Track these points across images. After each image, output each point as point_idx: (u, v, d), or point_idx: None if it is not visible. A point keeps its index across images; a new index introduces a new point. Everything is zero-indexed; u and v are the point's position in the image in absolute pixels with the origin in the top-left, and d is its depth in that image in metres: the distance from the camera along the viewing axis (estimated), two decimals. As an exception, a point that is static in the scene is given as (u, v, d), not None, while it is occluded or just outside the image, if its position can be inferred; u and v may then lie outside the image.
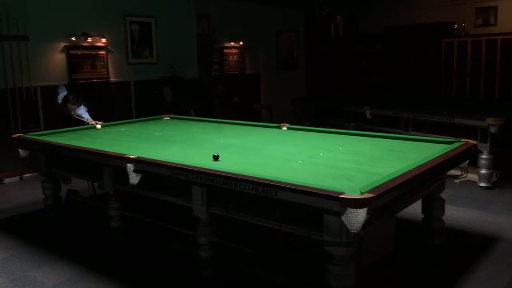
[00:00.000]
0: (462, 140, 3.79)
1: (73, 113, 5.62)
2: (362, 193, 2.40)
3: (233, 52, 9.48)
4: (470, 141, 3.76)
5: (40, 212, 4.87)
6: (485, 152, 5.36)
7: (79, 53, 7.01)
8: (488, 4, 9.04)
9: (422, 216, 3.85)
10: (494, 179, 5.51)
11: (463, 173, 3.67)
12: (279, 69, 10.45)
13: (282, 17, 10.31)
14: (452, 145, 3.68)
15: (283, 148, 3.96)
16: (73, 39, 6.90)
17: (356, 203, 2.30)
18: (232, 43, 9.39)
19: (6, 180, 6.31)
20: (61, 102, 5.83)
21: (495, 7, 8.98)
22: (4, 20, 6.19)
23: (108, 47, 7.35)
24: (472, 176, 5.36)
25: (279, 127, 4.86)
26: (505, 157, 5.55)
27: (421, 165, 3.02)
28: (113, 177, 3.84)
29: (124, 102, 7.65)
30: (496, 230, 4.22)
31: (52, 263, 3.74)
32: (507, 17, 8.79)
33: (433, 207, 3.75)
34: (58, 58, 6.83)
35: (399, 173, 2.80)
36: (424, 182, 3.15)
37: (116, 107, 7.44)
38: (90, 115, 5.62)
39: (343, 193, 2.38)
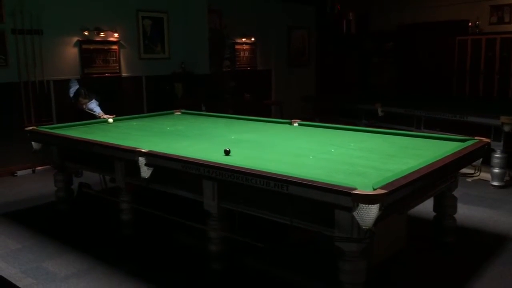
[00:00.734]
0: (475, 138, 3.75)
1: (84, 107, 5.66)
2: (374, 189, 2.38)
3: (244, 48, 9.47)
4: (484, 139, 3.72)
5: (52, 204, 4.91)
6: (498, 151, 5.30)
7: (91, 47, 7.05)
8: (503, 1, 8.93)
9: (434, 214, 3.83)
10: (507, 178, 5.46)
11: (476, 171, 3.64)
12: (290, 65, 10.43)
13: (293, 14, 10.27)
14: (466, 143, 3.64)
15: (295, 144, 3.95)
16: (86, 33, 6.95)
17: (369, 199, 2.29)
18: (243, 39, 9.39)
19: (19, 173, 6.38)
20: (73, 96, 5.88)
21: (510, 5, 8.87)
22: (18, 14, 6.25)
23: (121, 42, 7.38)
24: (484, 175, 5.31)
25: (291, 123, 4.85)
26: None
27: (434, 162, 2.99)
28: (124, 171, 3.86)
29: (135, 97, 7.69)
30: (508, 229, 4.17)
31: (63, 254, 3.78)
32: (522, 15, 8.68)
33: (445, 205, 3.72)
34: (71, 52, 6.87)
35: (412, 170, 2.78)
36: (437, 180, 3.12)
37: (127, 101, 7.48)
38: (102, 109, 5.66)
39: (355, 189, 2.37)
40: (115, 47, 7.31)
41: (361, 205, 2.29)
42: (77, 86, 6.02)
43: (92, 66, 7.07)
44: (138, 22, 7.62)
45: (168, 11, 7.99)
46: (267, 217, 2.92)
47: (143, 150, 3.46)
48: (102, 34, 7.12)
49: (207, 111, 6.66)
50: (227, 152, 3.37)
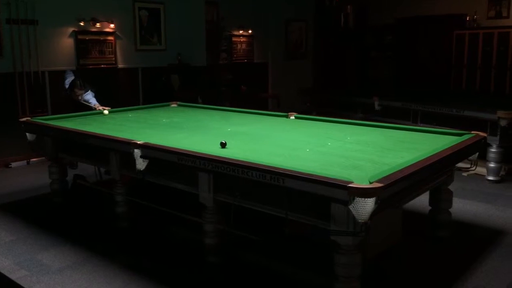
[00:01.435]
0: (472, 132, 3.75)
1: (80, 98, 5.62)
2: (370, 183, 2.38)
3: (241, 40, 9.42)
4: (480, 133, 3.71)
5: (47, 196, 4.89)
6: (495, 146, 5.30)
7: (87, 38, 6.99)
8: (501, -5, 8.90)
9: (429, 208, 3.83)
10: (502, 173, 5.46)
11: (472, 165, 3.63)
12: (287, 58, 10.38)
13: (291, 7, 10.21)
14: (462, 137, 3.63)
15: (291, 136, 3.93)
16: (81, 24, 6.88)
17: (365, 193, 2.28)
18: (240, 31, 9.33)
19: (13, 164, 6.34)
20: (68, 87, 5.84)
21: (508, -1, 8.85)
22: (13, 3, 6.18)
23: (117, 33, 7.32)
24: (480, 170, 5.32)
25: (287, 116, 4.83)
26: (514, 151, 5.50)
27: (430, 156, 2.99)
28: (119, 163, 3.84)
29: (131, 89, 7.64)
30: (503, 224, 4.18)
31: (58, 246, 3.76)
32: (520, 10, 8.67)
33: (440, 199, 3.72)
34: (66, 42, 6.81)
35: (408, 164, 2.77)
36: (433, 174, 3.12)
37: (123, 93, 7.43)
38: (98, 100, 5.62)
39: (351, 182, 2.36)
40: (111, 38, 7.25)
41: (357, 198, 2.28)
42: (73, 77, 5.97)
43: (87, 57, 7.01)
44: (134, 13, 7.56)
45: (165, 2, 7.93)
46: (263, 210, 2.91)
47: (138, 142, 3.44)
48: (98, 25, 7.06)
49: (203, 103, 6.63)
50: (223, 145, 3.35)
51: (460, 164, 3.58)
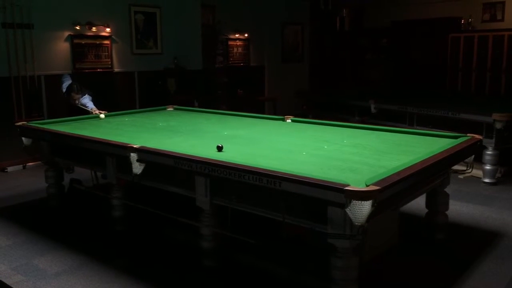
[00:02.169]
0: (467, 135, 3.76)
1: (77, 102, 5.60)
2: (367, 186, 2.38)
3: (237, 44, 9.43)
4: (476, 136, 3.73)
5: (43, 200, 4.87)
6: (490, 148, 5.32)
7: (83, 42, 6.98)
8: (495, -1, 8.96)
9: (426, 210, 3.84)
10: (498, 175, 5.48)
11: (468, 168, 3.65)
12: (283, 61, 10.40)
13: (287, 10, 10.24)
14: (458, 140, 3.65)
15: (288, 140, 3.94)
16: (77, 28, 6.88)
17: (361, 195, 2.28)
18: (237, 35, 9.35)
19: (9, 169, 6.32)
20: (65, 91, 5.81)
21: (503, 3, 8.91)
22: (9, 8, 6.17)
23: (113, 36, 7.32)
24: (476, 172, 5.34)
25: (284, 119, 4.84)
26: (510, 153, 5.51)
27: (426, 159, 3.00)
28: (116, 167, 3.83)
29: (127, 92, 7.63)
30: (499, 226, 4.20)
31: (54, 251, 3.74)
32: (514, 13, 8.72)
33: (437, 201, 3.73)
34: (62, 47, 6.80)
35: (404, 167, 2.78)
36: (429, 176, 3.13)
37: (119, 97, 7.42)
38: (94, 104, 5.61)
39: (348, 185, 2.36)
40: (107, 42, 7.25)
41: (353, 201, 2.29)
42: (70, 81, 5.95)
43: (83, 61, 7.01)
44: (130, 17, 7.56)
45: (161, 6, 7.93)
46: (259, 213, 2.91)
47: (135, 146, 3.44)
48: (94, 29, 7.05)
49: (199, 107, 6.63)
50: (219, 148, 3.36)
51: (456, 167, 3.60)
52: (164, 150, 3.31)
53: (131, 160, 3.41)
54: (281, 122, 4.82)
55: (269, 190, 2.67)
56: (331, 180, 2.46)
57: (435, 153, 3.16)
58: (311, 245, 2.99)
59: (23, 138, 4.59)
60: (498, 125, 5.16)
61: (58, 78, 6.25)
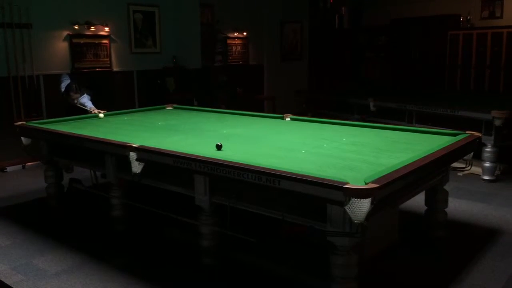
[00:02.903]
0: (466, 132, 3.76)
1: (76, 101, 5.60)
2: (366, 184, 2.38)
3: (236, 42, 9.42)
4: (475, 133, 3.73)
5: (43, 200, 4.87)
6: (489, 145, 5.33)
7: (82, 41, 6.97)
8: (494, -4, 8.96)
9: (425, 208, 3.84)
10: (497, 172, 5.49)
11: (467, 165, 3.65)
12: (282, 60, 10.39)
13: (286, 8, 10.23)
14: (457, 137, 3.65)
15: (287, 138, 3.94)
16: (76, 27, 6.87)
17: (360, 193, 2.28)
18: (235, 34, 9.34)
19: (9, 168, 6.32)
20: (64, 91, 5.81)
21: (501, 0, 8.90)
22: (7, 7, 6.16)
23: (111, 36, 7.31)
24: (475, 169, 5.34)
25: (283, 118, 4.84)
26: (509, 150, 5.52)
27: (425, 156, 3.00)
28: (115, 166, 3.83)
29: (126, 92, 7.63)
30: (499, 223, 4.20)
31: (54, 251, 3.75)
32: (513, 10, 8.72)
33: (436, 199, 3.73)
34: (61, 46, 6.80)
35: (403, 164, 2.78)
36: (428, 174, 3.13)
37: (118, 96, 7.42)
38: (93, 104, 5.61)
39: (347, 183, 2.36)
40: (105, 41, 7.24)
41: (353, 199, 2.29)
42: (69, 81, 5.94)
43: (82, 61, 7.00)
44: (129, 16, 7.55)
45: (160, 5, 7.92)
46: (259, 211, 2.91)
47: (134, 145, 3.43)
48: (92, 28, 7.04)
49: (199, 106, 6.63)
50: (218, 147, 3.35)
51: (455, 164, 3.60)
52: (163, 149, 3.31)
53: (131, 159, 3.41)
54: (280, 120, 4.82)
55: (268, 188, 2.67)
56: (330, 178, 2.46)
57: (434, 150, 3.16)
58: (311, 243, 3.00)
59: (22, 138, 4.58)
60: (497, 122, 5.17)
61: (57, 78, 6.25)
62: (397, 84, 9.73)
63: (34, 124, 4.65)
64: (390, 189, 2.51)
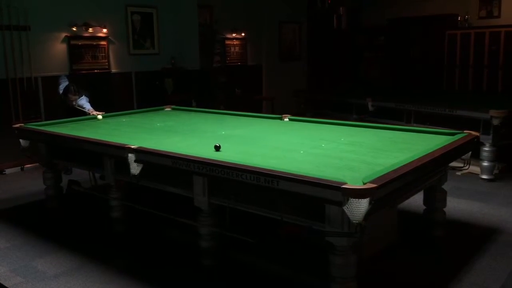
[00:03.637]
0: (464, 131, 3.77)
1: (74, 103, 5.61)
2: (364, 183, 2.39)
3: (235, 43, 9.43)
4: (473, 133, 3.74)
5: (41, 202, 4.86)
6: (488, 145, 5.34)
7: (80, 43, 6.97)
8: (491, -5, 8.98)
9: (424, 207, 3.84)
10: (496, 171, 5.50)
11: (465, 164, 3.66)
12: (281, 60, 10.40)
13: (284, 9, 10.24)
14: (455, 136, 3.66)
15: (285, 139, 3.94)
16: (74, 29, 6.87)
17: (358, 193, 2.29)
18: (234, 34, 9.34)
19: (7, 171, 6.31)
20: (62, 93, 5.82)
21: (499, -1, 8.92)
22: (5, 9, 6.16)
23: (109, 37, 7.31)
24: (474, 169, 5.35)
25: (281, 118, 4.84)
26: (507, 149, 5.53)
27: (423, 156, 3.00)
28: (114, 167, 3.83)
29: (125, 93, 7.63)
30: (497, 222, 4.21)
31: (53, 253, 3.74)
32: (511, 9, 8.73)
33: (434, 198, 3.73)
34: (59, 48, 6.80)
35: (402, 164, 2.78)
36: (426, 173, 3.13)
37: (117, 97, 7.42)
38: (92, 105, 5.61)
39: (345, 183, 2.37)
40: (104, 42, 7.25)
41: (351, 199, 2.29)
42: (67, 83, 5.96)
43: (80, 62, 7.00)
44: (127, 17, 7.55)
45: (158, 6, 7.92)
46: (257, 212, 2.92)
47: (132, 147, 3.44)
48: (90, 30, 7.05)
49: (197, 107, 6.63)
50: (217, 148, 3.36)
51: (453, 164, 3.60)
52: (162, 150, 3.31)
53: (129, 160, 3.41)
54: (278, 121, 4.83)
55: (266, 189, 2.67)
56: (328, 179, 2.46)
57: (433, 150, 3.16)
58: (310, 243, 3.00)
59: (20, 140, 4.58)
60: (495, 122, 5.18)
61: (55, 80, 6.26)
62: (395, 84, 9.75)
63: (32, 126, 4.65)
64: (389, 189, 2.52)
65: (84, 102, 5.62)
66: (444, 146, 3.31)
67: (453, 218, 4.27)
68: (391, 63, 10.29)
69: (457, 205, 4.61)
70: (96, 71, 7.18)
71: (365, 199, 2.28)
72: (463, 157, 3.60)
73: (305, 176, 2.53)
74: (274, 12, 10.01)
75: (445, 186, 3.77)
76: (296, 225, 2.74)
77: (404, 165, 2.77)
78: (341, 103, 7.33)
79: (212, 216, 3.24)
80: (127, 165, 3.44)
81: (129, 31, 7.59)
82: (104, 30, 7.22)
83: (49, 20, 6.64)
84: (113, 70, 7.43)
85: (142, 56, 7.80)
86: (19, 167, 6.42)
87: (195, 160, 3.03)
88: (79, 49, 6.96)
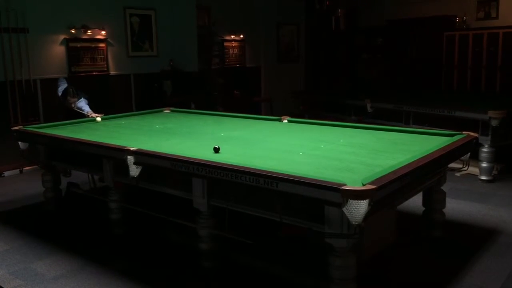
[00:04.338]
0: (463, 132, 3.78)
1: (73, 105, 5.60)
2: (363, 185, 2.39)
3: (233, 45, 9.44)
4: (472, 134, 3.74)
5: (40, 204, 4.86)
6: (486, 145, 5.34)
7: (78, 45, 6.97)
8: (489, -3, 9.00)
9: (423, 208, 3.85)
10: (495, 172, 5.50)
11: (464, 165, 3.66)
12: (279, 62, 10.41)
13: (282, 10, 10.25)
14: (454, 137, 3.66)
15: (284, 140, 3.95)
16: (72, 31, 6.87)
17: (358, 195, 2.29)
18: (232, 36, 9.35)
19: (6, 173, 6.30)
20: (61, 95, 5.81)
21: (497, 0, 8.93)
22: (3, 12, 6.16)
23: (108, 39, 7.31)
24: (473, 169, 5.35)
25: (280, 120, 4.85)
26: (506, 150, 5.54)
27: (422, 157, 3.01)
28: (113, 170, 3.83)
29: (124, 95, 7.63)
30: (496, 223, 4.21)
31: (52, 255, 3.74)
32: (508, 10, 8.75)
33: (434, 199, 3.74)
34: (57, 50, 6.80)
35: (401, 165, 2.79)
36: (426, 175, 3.14)
37: (116, 100, 7.42)
38: (90, 108, 5.61)
39: (344, 185, 2.37)
40: (102, 45, 7.25)
41: (350, 200, 2.30)
42: (66, 85, 5.95)
43: (79, 65, 7.00)
44: (125, 19, 7.55)
45: (156, 8, 7.93)
46: (257, 214, 2.92)
47: (131, 149, 3.43)
48: (89, 32, 7.05)
49: (196, 109, 6.63)
50: (216, 150, 3.36)
51: (452, 165, 3.61)
52: (161, 152, 3.31)
53: (128, 163, 3.41)
54: (277, 122, 4.83)
55: (266, 190, 2.67)
56: (327, 180, 2.47)
57: (431, 151, 3.17)
58: (309, 244, 3.00)
59: (19, 143, 4.58)
60: (493, 122, 5.18)
61: (54, 82, 6.25)
62: (394, 85, 9.75)
63: (31, 128, 4.64)
64: (388, 190, 2.52)
65: (83, 105, 5.61)
66: (443, 147, 3.31)
67: (452, 219, 4.27)
68: (389, 64, 10.30)
69: (456, 206, 4.62)
70: (95, 73, 7.18)
71: (364, 201, 2.29)
72: (462, 158, 3.61)
73: (305, 177, 2.53)
74: (272, 14, 10.02)
75: (444, 187, 3.78)
76: (295, 226, 2.75)
77: (403, 166, 2.77)
78: (340, 105, 7.33)
79: (212, 218, 3.24)
80: (126, 167, 3.44)
81: (127, 33, 7.59)
82: (103, 32, 7.22)
83: (48, 22, 6.63)
84: (112, 72, 7.43)
85: (141, 58, 7.80)
86: (18, 170, 6.41)
87: (194, 162, 3.03)
88: (77, 51, 6.97)
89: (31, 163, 6.03)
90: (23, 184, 5.86)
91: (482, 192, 5.10)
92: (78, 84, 6.16)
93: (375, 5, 10.49)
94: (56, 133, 4.35)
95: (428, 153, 3.12)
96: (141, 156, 3.37)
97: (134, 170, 3.41)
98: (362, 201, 2.28)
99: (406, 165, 2.81)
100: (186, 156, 3.14)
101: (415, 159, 2.94)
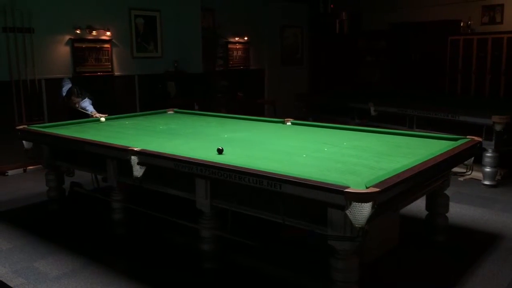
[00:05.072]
0: (467, 137, 3.77)
1: (77, 105, 5.62)
2: (367, 188, 2.39)
3: (237, 47, 9.45)
4: (476, 138, 3.74)
5: (44, 204, 4.88)
6: (490, 150, 5.33)
7: (83, 46, 7.00)
8: (494, 2, 8.98)
9: (426, 212, 3.84)
10: (498, 177, 5.49)
11: (468, 170, 3.65)
12: (283, 64, 10.42)
13: (286, 13, 10.27)
14: (457, 142, 3.66)
15: (288, 142, 3.95)
16: (78, 32, 6.90)
17: (361, 197, 2.29)
18: (236, 38, 9.37)
19: (10, 172, 6.32)
20: (65, 95, 5.83)
21: (502, 5, 8.92)
22: (9, 12, 6.19)
23: (113, 40, 7.34)
24: (476, 174, 5.34)
25: (284, 122, 4.85)
26: (509, 155, 5.52)
27: (426, 161, 3.01)
28: (116, 170, 3.84)
29: (128, 96, 7.65)
30: (500, 228, 4.20)
31: (55, 254, 3.75)
32: (513, 16, 8.74)
33: (437, 203, 3.74)
34: (62, 50, 6.82)
35: (404, 169, 2.79)
36: (429, 178, 3.13)
37: (120, 100, 7.44)
38: (94, 108, 5.63)
39: (348, 187, 2.37)
40: (107, 45, 7.27)
41: (354, 203, 2.29)
42: (70, 85, 5.97)
43: (84, 65, 7.02)
44: (130, 20, 7.58)
45: (161, 9, 7.96)
46: (259, 215, 2.92)
47: (135, 149, 3.44)
48: (94, 33, 7.08)
49: (200, 110, 6.64)
50: (220, 151, 3.36)
51: (456, 169, 3.60)
52: (164, 153, 3.32)
53: (132, 163, 3.42)
54: (281, 124, 4.83)
55: (269, 192, 2.67)
56: (331, 182, 2.47)
57: (435, 155, 3.16)
58: (312, 247, 3.00)
59: (23, 142, 4.60)
60: (497, 127, 5.17)
61: (59, 82, 6.27)
62: (397, 88, 9.73)
63: (35, 128, 4.66)
64: (391, 194, 2.52)
65: (87, 105, 5.63)
66: (447, 151, 3.31)
67: (455, 223, 4.26)
68: (393, 68, 10.29)
69: (459, 211, 4.61)
70: (99, 73, 7.21)
71: (367, 203, 2.28)
72: (466, 162, 3.60)
73: (308, 179, 2.53)
74: (276, 16, 10.04)
75: (447, 192, 3.77)
76: (298, 228, 2.74)
77: (407, 170, 2.77)
78: (343, 107, 7.31)
79: (214, 219, 3.24)
80: (129, 168, 3.45)
81: (132, 34, 7.61)
82: (108, 33, 7.25)
83: (53, 23, 6.67)
84: (116, 73, 7.45)
85: (145, 59, 7.83)
86: (22, 169, 6.43)
87: (197, 162, 3.04)
88: (82, 52, 6.99)
89: (35, 162, 6.05)
90: (26, 184, 5.88)
91: (485, 197, 5.08)
92: (82, 85, 6.18)
93: (379, 8, 10.49)
94: (60, 133, 4.36)
95: (432, 157, 3.11)
96: (145, 156, 3.38)
97: (138, 171, 3.42)
98: (365, 204, 2.28)
99: (410, 168, 2.81)
100: (190, 156, 3.15)
101: (418, 163, 2.93)
